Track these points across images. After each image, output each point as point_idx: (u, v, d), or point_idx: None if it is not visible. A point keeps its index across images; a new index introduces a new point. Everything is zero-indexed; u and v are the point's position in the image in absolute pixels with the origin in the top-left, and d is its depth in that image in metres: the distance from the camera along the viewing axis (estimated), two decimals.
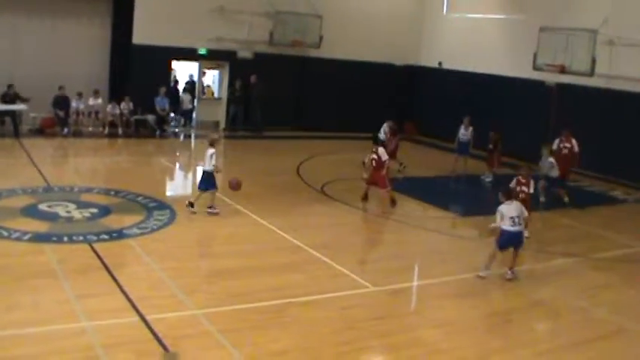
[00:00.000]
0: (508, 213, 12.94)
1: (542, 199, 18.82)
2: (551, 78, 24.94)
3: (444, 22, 31.15)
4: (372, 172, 17.83)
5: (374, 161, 17.69)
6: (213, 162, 15.70)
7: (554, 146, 20.49)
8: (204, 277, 11.95)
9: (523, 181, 15.57)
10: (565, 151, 20.32)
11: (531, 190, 15.62)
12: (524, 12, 26.83)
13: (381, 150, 17.84)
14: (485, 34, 28.87)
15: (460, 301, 12.19)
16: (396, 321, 11.03)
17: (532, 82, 25.75)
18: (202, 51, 27.34)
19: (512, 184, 15.50)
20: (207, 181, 15.79)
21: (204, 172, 15.96)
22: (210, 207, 15.76)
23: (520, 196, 15.25)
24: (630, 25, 22.62)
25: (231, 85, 28.24)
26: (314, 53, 28.79)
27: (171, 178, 21.42)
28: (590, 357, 10.37)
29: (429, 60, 31.41)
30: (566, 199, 19.08)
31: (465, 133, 23.05)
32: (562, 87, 24.97)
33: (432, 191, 20.92)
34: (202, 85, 29.26)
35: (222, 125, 28.67)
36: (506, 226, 12.92)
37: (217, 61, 28.41)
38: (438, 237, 16.37)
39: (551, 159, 18.94)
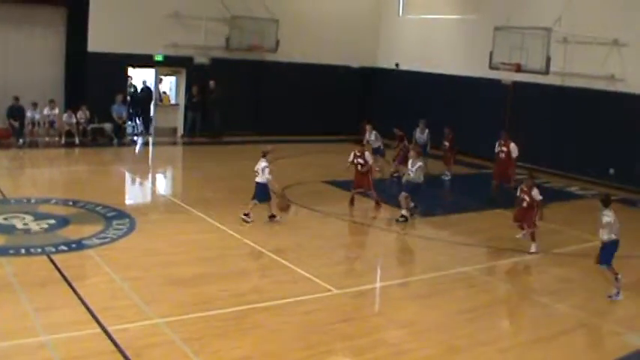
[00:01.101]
0: (615, 223, 12.21)
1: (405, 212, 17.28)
2: (508, 77, 25.14)
3: (399, 23, 31.33)
4: (358, 176, 17.98)
5: (360, 165, 17.83)
6: (266, 175, 15.82)
7: (496, 148, 20.38)
8: (166, 285, 11.81)
9: (525, 189, 15.28)
10: (502, 155, 20.15)
11: (539, 197, 15.25)
12: (478, 12, 27.06)
13: (367, 154, 18.16)
14: (441, 34, 29.09)
15: (423, 300, 12.25)
16: (360, 323, 11.02)
17: (488, 81, 25.95)
18: (158, 57, 27.11)
19: (518, 193, 15.38)
20: (261, 193, 15.95)
21: (257, 183, 15.97)
22: (271, 216, 16.14)
23: (523, 204, 15.20)
24: (583, 22, 22.91)
25: (188, 91, 28.06)
26: (271, 57, 28.69)
27: (130, 187, 21.18)
28: (553, 352, 10.45)
29: (385, 61, 31.55)
30: (404, 211, 17.27)
31: (420, 135, 23.23)
32: (518, 85, 25.21)
33: (392, 192, 20.97)
34: (159, 92, 29.03)
35: (180, 132, 28.49)
36: (616, 235, 12.17)
37: (174, 67, 28.21)
38: (399, 238, 16.44)
39: (420, 163, 17.57)
